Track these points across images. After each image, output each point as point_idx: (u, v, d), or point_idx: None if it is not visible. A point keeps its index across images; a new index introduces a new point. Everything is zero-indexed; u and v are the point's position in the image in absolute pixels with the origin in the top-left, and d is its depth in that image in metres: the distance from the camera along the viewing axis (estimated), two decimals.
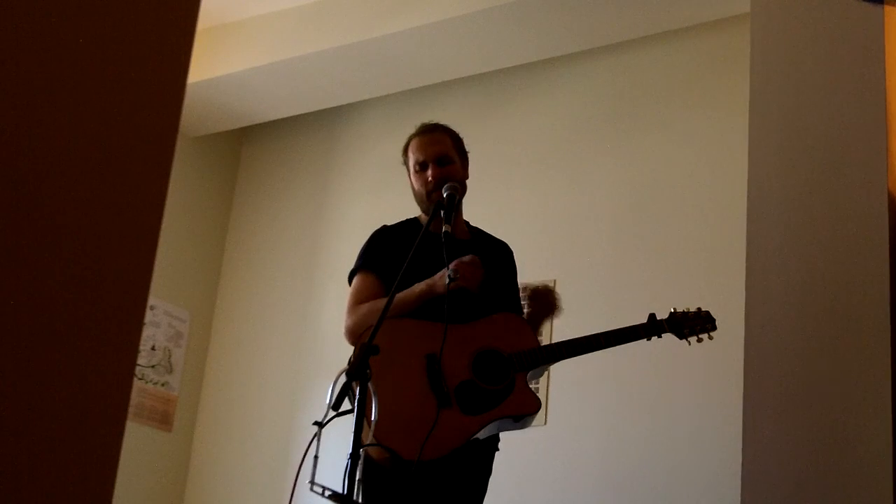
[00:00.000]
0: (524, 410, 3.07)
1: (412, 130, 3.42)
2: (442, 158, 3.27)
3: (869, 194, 2.86)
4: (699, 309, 3.31)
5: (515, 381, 3.08)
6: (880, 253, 2.79)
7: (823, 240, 2.92)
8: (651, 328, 3.24)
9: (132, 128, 1.37)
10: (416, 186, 3.29)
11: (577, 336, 3.21)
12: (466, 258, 3.09)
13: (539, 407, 3.09)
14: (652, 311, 3.28)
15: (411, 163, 3.30)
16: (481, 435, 3.05)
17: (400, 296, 2.95)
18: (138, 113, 1.38)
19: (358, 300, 3.19)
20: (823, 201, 2.95)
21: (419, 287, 3.09)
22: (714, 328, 3.30)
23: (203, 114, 5.72)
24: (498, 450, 3.21)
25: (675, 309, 3.30)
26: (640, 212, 4.86)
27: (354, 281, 3.26)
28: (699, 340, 3.29)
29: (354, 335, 3.12)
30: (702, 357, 4.43)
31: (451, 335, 3.01)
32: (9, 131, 1.23)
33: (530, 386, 3.12)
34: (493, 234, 3.49)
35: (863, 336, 2.78)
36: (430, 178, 3.23)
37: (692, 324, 3.28)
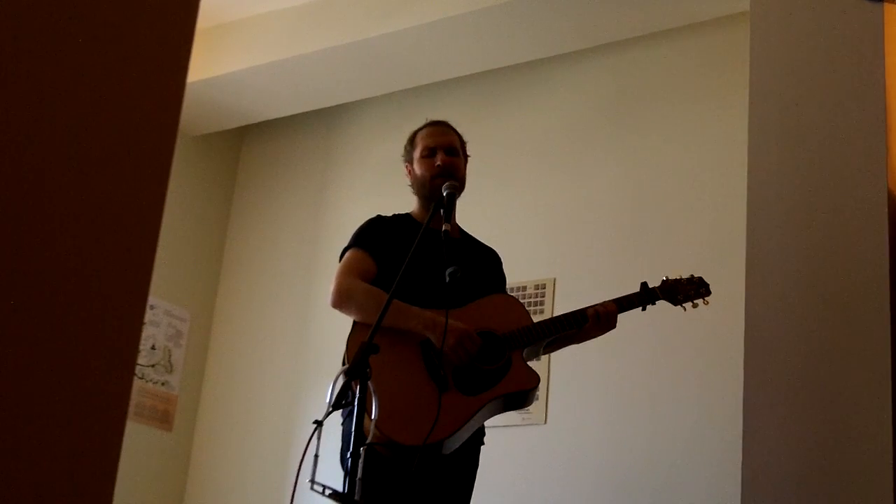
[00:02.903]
0: (523, 386, 3.07)
1: (411, 129, 3.44)
2: (450, 149, 3.33)
3: (869, 193, 2.86)
4: (692, 275, 3.33)
5: (512, 359, 3.09)
6: (880, 252, 2.79)
7: (823, 239, 2.92)
8: (644, 296, 3.27)
9: (132, 127, 1.37)
10: (420, 172, 3.31)
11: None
12: (464, 342, 3.04)
13: (538, 381, 3.08)
14: (643, 280, 3.29)
15: (419, 150, 3.34)
16: (481, 415, 3.04)
17: (397, 306, 2.93)
18: (138, 112, 1.38)
19: (349, 270, 3.20)
20: (823, 200, 2.95)
21: (414, 320, 3.05)
22: (708, 293, 3.32)
23: (202, 113, 5.72)
24: (483, 443, 3.21)
25: (667, 276, 3.31)
26: (639, 210, 4.86)
27: (347, 255, 3.28)
28: (694, 306, 3.31)
29: (342, 297, 3.13)
30: (702, 356, 4.44)
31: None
32: (8, 131, 1.23)
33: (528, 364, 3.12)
34: (489, 236, 3.52)
35: (863, 335, 2.78)
36: (438, 164, 3.27)
37: (686, 289, 3.30)
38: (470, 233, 3.47)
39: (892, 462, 2.61)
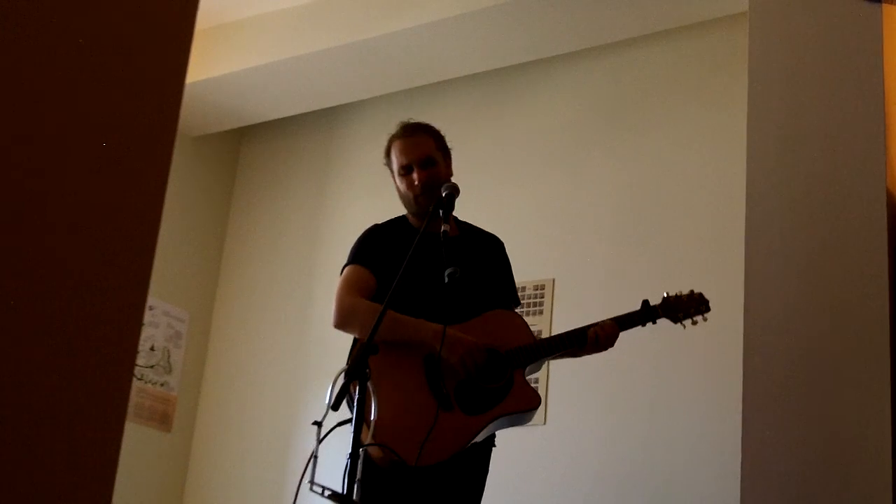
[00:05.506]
0: (525, 406, 3.06)
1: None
2: (426, 161, 3.24)
3: (868, 193, 2.86)
4: (692, 291, 3.29)
5: (514, 377, 3.07)
6: (880, 252, 2.79)
7: (823, 239, 2.92)
8: (645, 314, 3.24)
9: (131, 128, 1.37)
10: (402, 189, 3.27)
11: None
12: (472, 353, 3.04)
13: (539, 402, 3.09)
14: (645, 298, 3.26)
15: (395, 166, 3.28)
16: (482, 435, 3.04)
17: (394, 317, 2.92)
18: (137, 113, 1.38)
19: (349, 288, 3.16)
20: (822, 200, 2.95)
21: (413, 330, 3.03)
22: (708, 309, 3.28)
23: (202, 114, 5.72)
24: (494, 446, 3.20)
25: (667, 293, 3.28)
26: (638, 210, 4.86)
27: (346, 271, 3.23)
28: (694, 323, 3.27)
29: (344, 317, 3.10)
30: (701, 356, 4.44)
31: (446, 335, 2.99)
32: (8, 131, 1.22)
33: (529, 382, 3.12)
34: (486, 229, 3.46)
35: (862, 335, 2.78)
36: (415, 182, 3.21)
37: (686, 307, 3.26)
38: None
39: (892, 462, 2.61)
